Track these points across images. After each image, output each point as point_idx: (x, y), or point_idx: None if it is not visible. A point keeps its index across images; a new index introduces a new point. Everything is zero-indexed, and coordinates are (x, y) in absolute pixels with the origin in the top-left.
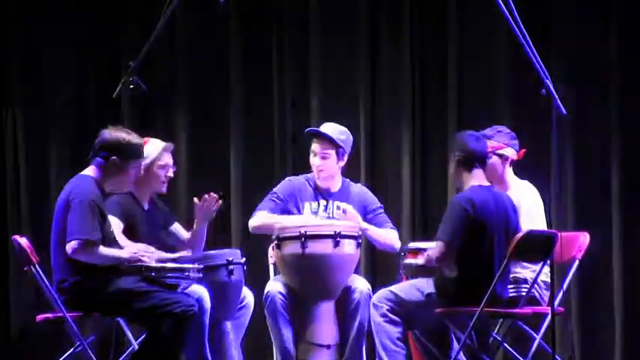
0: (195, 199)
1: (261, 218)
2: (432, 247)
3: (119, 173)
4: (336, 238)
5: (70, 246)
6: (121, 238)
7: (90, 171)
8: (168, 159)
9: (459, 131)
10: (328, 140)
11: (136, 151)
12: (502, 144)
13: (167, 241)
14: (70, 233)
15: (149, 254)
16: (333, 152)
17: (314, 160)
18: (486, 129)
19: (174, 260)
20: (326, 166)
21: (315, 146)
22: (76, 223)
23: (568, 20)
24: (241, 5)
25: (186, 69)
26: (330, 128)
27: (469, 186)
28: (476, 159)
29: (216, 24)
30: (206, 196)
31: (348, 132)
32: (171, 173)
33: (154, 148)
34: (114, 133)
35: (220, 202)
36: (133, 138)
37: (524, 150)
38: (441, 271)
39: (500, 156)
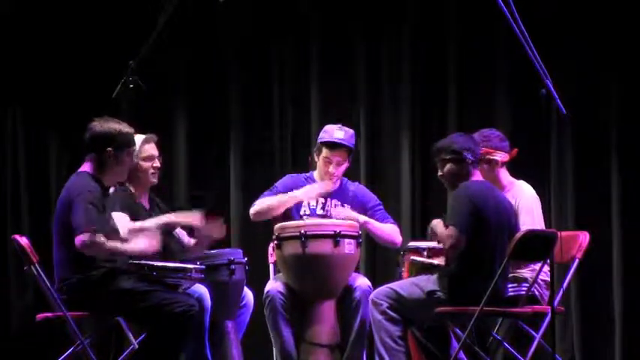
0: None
1: (259, 204)
2: (444, 233)
3: (115, 164)
4: (337, 237)
5: (79, 239)
6: (130, 226)
7: (86, 167)
8: (151, 150)
9: (459, 131)
10: (348, 149)
11: (129, 140)
12: (490, 149)
13: (168, 243)
14: (77, 227)
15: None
16: (347, 159)
17: (330, 168)
18: (474, 134)
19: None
20: (341, 172)
21: (332, 154)
22: (81, 217)
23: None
24: (241, 7)
25: (185, 69)
26: (343, 135)
27: (469, 181)
28: (478, 160)
29: (216, 23)
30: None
31: (353, 131)
32: (157, 163)
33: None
34: (104, 125)
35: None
36: (124, 127)
37: (515, 149)
38: (440, 269)
39: (490, 161)
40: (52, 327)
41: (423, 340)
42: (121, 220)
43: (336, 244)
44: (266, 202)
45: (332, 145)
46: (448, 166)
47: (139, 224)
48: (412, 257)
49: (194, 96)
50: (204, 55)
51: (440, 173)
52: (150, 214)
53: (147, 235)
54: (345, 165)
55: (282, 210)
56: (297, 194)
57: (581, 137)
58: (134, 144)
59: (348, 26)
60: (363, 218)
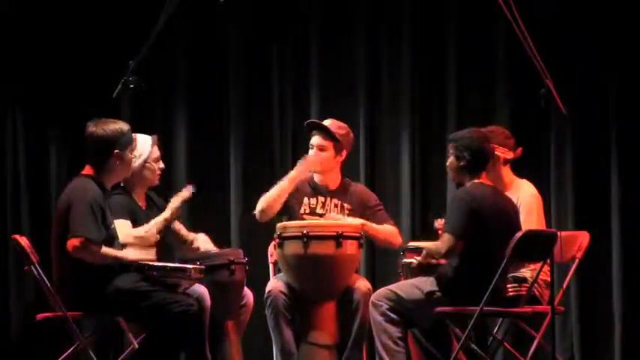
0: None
1: (262, 201)
2: (438, 242)
3: (122, 165)
4: (339, 238)
5: (72, 243)
6: (130, 237)
7: (89, 170)
8: (158, 151)
9: (459, 131)
10: (327, 133)
11: (130, 137)
12: (494, 145)
13: (167, 240)
14: (72, 231)
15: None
16: (330, 145)
17: (310, 152)
18: (481, 129)
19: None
20: (321, 158)
21: (313, 139)
22: (78, 221)
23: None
24: (241, 7)
25: (185, 68)
26: (329, 122)
27: (470, 184)
28: (485, 162)
29: (216, 23)
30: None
31: (349, 128)
32: (162, 164)
33: (144, 144)
34: (106, 128)
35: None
36: (123, 125)
37: (520, 148)
38: (439, 270)
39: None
40: (52, 327)
41: (423, 341)
42: (122, 227)
43: (339, 245)
44: (268, 196)
45: (310, 128)
46: (454, 162)
47: (142, 231)
48: (404, 260)
49: (194, 96)
50: (204, 55)
51: (447, 163)
52: (147, 214)
53: (142, 246)
54: (329, 154)
55: (285, 197)
56: (294, 174)
57: (581, 137)
58: (133, 138)
59: (348, 26)
60: (358, 221)
